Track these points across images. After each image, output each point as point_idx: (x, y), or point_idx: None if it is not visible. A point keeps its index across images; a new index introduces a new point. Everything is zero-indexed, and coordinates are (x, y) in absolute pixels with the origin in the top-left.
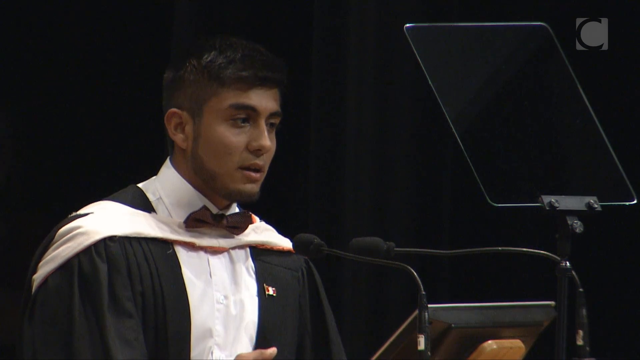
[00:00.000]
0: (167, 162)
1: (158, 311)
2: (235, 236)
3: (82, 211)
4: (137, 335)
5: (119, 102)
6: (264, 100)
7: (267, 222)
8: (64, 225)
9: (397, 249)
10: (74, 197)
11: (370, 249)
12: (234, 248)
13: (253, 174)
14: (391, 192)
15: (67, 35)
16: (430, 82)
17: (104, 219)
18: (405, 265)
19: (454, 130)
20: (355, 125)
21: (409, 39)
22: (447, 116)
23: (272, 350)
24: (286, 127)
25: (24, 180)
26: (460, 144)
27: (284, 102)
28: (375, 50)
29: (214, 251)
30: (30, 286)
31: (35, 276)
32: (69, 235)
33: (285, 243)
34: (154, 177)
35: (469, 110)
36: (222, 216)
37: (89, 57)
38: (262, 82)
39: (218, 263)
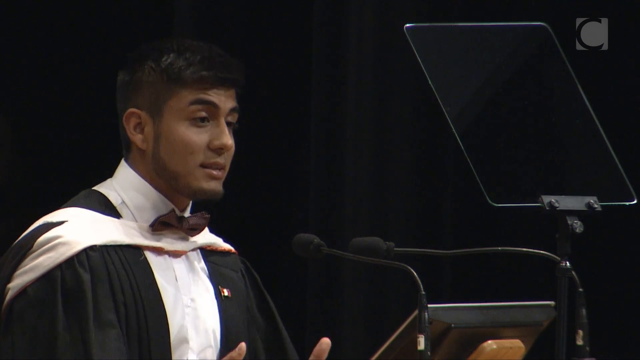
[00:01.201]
0: (123, 164)
1: (140, 320)
2: (190, 238)
3: (53, 219)
4: (119, 345)
5: (113, 104)
6: (223, 98)
7: (265, 223)
8: (40, 235)
9: (397, 249)
10: (66, 198)
11: (370, 249)
12: (191, 250)
13: (214, 172)
14: (391, 192)
15: (66, 35)
16: (430, 82)
17: (81, 228)
18: (405, 265)
19: (454, 130)
20: (355, 125)
21: (409, 39)
22: (447, 116)
23: (241, 346)
24: (285, 126)
25: (22, 181)
26: (460, 144)
27: (282, 103)
28: (375, 50)
29: (176, 254)
30: (3, 295)
31: (10, 285)
32: (49, 245)
33: (225, 244)
34: (110, 180)
35: (469, 110)
36: (184, 218)
37: (88, 57)
38: (221, 83)
39: (180, 267)
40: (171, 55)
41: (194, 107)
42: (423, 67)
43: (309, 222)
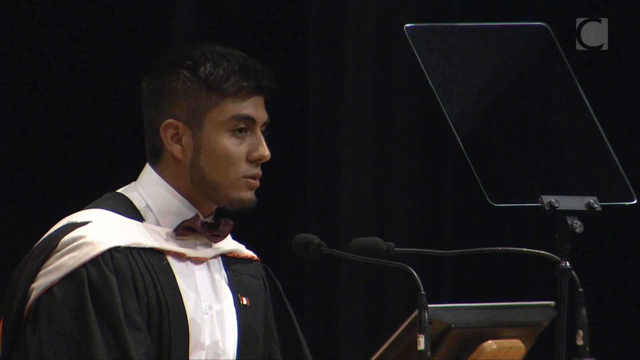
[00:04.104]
0: (150, 169)
1: (163, 323)
2: (213, 245)
3: (78, 219)
4: (147, 348)
5: (117, 105)
6: (259, 109)
7: (264, 223)
8: (64, 234)
9: (397, 249)
10: (53, 202)
11: (370, 249)
12: (212, 257)
13: (254, 182)
14: (391, 192)
15: (63, 36)
16: (430, 82)
17: (105, 229)
18: (405, 265)
19: (454, 130)
20: (353, 125)
21: (409, 39)
22: (447, 116)
23: None
24: (284, 126)
25: (44, 182)
26: (461, 144)
27: (281, 103)
28: (374, 50)
29: (197, 261)
30: (27, 295)
31: (34, 285)
32: (73, 245)
33: (248, 251)
34: (134, 183)
35: (469, 110)
36: (208, 224)
37: (86, 58)
38: (258, 91)
39: (201, 274)
40: (208, 64)
41: (235, 121)
42: (423, 67)
43: (307, 223)
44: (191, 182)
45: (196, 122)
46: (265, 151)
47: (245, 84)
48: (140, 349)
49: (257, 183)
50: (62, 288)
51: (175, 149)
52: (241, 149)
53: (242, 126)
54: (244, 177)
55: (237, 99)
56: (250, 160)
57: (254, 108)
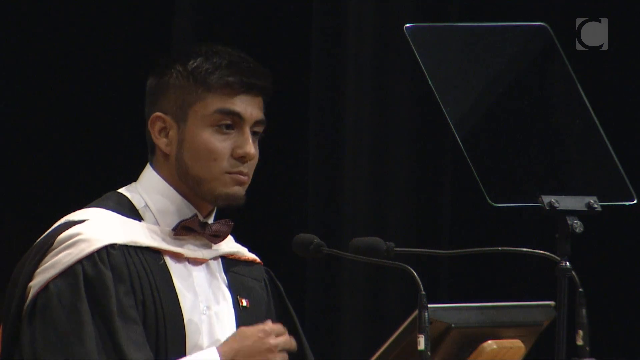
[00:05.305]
0: (149, 168)
1: (158, 322)
2: (213, 246)
3: (75, 217)
4: (144, 340)
5: (117, 105)
6: (249, 107)
7: (265, 223)
8: (61, 232)
9: (397, 249)
10: (52, 203)
11: (370, 249)
12: (212, 259)
13: (240, 177)
14: (391, 192)
15: (63, 35)
16: (430, 82)
17: (102, 226)
18: (405, 265)
19: (454, 130)
20: (354, 125)
21: (409, 39)
22: (447, 116)
23: (277, 328)
24: (284, 127)
25: (45, 182)
26: (461, 144)
27: (282, 103)
28: (374, 50)
29: (196, 261)
30: (25, 294)
31: (32, 283)
32: (69, 242)
33: (250, 254)
34: (135, 183)
35: (469, 110)
36: (207, 224)
37: (86, 58)
38: (247, 89)
39: (200, 274)
40: (198, 59)
41: (218, 115)
42: (423, 67)
43: (308, 223)
44: (178, 177)
45: (182, 115)
46: (250, 149)
47: (231, 79)
48: (139, 339)
49: (244, 178)
50: (57, 284)
51: (162, 142)
52: (225, 145)
53: (228, 122)
54: (228, 172)
55: (224, 94)
56: (235, 157)
57: (242, 105)
